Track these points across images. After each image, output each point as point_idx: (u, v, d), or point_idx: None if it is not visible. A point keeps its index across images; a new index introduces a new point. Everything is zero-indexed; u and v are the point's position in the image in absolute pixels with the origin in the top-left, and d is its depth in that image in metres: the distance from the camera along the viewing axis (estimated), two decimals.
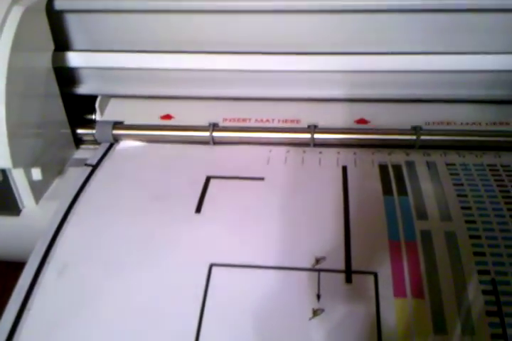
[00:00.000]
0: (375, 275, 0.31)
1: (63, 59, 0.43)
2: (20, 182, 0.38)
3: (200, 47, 0.42)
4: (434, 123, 0.43)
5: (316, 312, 0.30)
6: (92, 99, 0.46)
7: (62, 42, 0.43)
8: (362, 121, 0.44)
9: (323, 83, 0.43)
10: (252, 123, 0.45)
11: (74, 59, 0.43)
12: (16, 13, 0.36)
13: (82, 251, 0.35)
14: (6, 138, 0.35)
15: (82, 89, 0.45)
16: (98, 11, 0.41)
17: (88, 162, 0.42)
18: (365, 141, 0.42)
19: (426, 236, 0.33)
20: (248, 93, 0.45)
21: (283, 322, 0.30)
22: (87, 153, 0.45)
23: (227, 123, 0.45)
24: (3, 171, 0.38)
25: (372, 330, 0.29)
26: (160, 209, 0.37)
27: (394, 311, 0.29)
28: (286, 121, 0.45)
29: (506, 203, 0.35)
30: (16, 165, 0.36)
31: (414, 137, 0.41)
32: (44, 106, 0.41)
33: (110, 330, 0.30)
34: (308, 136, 0.42)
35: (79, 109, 0.47)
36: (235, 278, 0.32)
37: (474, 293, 0.30)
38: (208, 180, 0.39)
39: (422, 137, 0.41)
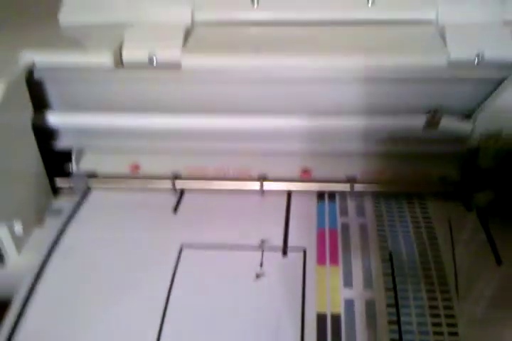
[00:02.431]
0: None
1: (42, 119, 0.48)
2: (3, 236, 0.43)
3: (161, 109, 0.48)
4: (366, 173, 0.49)
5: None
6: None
7: (40, 104, 0.48)
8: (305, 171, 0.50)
9: (272, 138, 0.49)
10: (210, 173, 0.51)
11: (51, 118, 0.49)
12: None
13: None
14: None
15: (59, 144, 0.51)
16: (72, 81, 0.47)
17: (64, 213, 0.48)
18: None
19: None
20: (206, 147, 0.50)
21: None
22: (65, 202, 0.50)
23: (188, 174, 0.50)
24: None
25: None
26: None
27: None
28: (239, 170, 0.50)
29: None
30: None
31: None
32: (23, 161, 0.46)
33: None
34: (258, 184, 0.48)
35: (56, 157, 0.52)
36: None
37: None
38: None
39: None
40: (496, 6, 0.47)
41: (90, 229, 0.46)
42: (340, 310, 0.38)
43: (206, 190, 0.49)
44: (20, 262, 0.45)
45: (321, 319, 0.37)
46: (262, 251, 0.42)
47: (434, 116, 0.44)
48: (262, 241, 0.43)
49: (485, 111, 0.44)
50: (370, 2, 0.47)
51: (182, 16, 0.48)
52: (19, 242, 0.45)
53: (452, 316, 0.37)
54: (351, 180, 0.48)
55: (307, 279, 0.40)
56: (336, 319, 0.37)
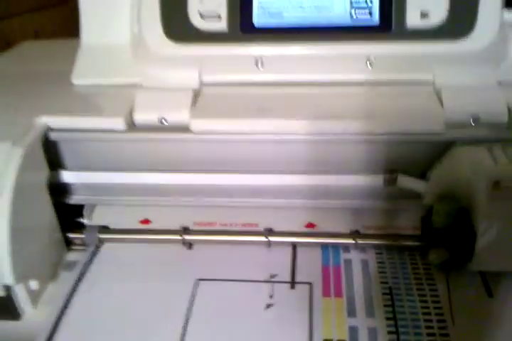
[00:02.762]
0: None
1: (56, 177, 0.51)
2: (19, 292, 0.45)
3: (171, 166, 0.50)
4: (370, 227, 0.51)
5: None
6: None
7: (55, 162, 0.51)
8: (310, 225, 0.52)
9: (277, 193, 0.51)
10: (218, 227, 0.53)
11: (66, 177, 0.51)
12: (17, 154, 0.44)
13: None
14: (9, 256, 0.43)
15: (74, 200, 0.53)
16: (85, 142, 0.49)
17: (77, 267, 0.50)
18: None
19: None
20: (214, 201, 0.52)
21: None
22: (78, 255, 0.52)
23: (197, 227, 0.53)
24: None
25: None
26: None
27: None
28: (245, 225, 0.52)
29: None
30: (17, 281, 0.43)
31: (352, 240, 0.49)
32: (38, 217, 0.48)
33: None
34: (264, 238, 0.50)
35: (69, 211, 0.54)
36: None
37: None
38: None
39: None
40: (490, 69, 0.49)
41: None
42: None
43: (214, 243, 0.51)
44: (36, 316, 0.46)
45: None
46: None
47: (391, 175, 0.47)
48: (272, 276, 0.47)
49: (437, 171, 0.46)
50: (369, 65, 0.50)
51: (190, 79, 0.50)
52: (35, 297, 0.47)
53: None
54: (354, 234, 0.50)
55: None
56: None
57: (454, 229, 0.44)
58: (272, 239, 0.50)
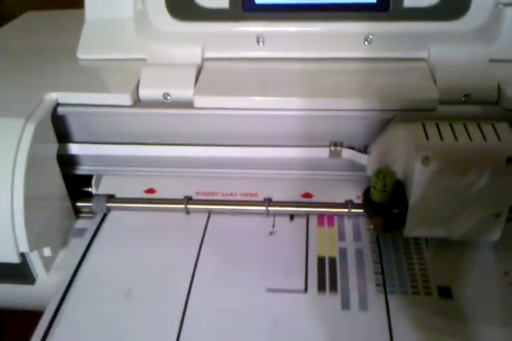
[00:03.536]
0: None
1: (65, 149, 0.53)
2: (34, 259, 0.48)
3: (175, 139, 0.53)
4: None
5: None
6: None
7: (64, 134, 0.53)
8: (307, 195, 0.55)
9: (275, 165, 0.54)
10: (220, 197, 0.55)
11: (74, 149, 0.53)
12: (30, 129, 0.46)
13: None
14: (24, 226, 0.45)
15: (81, 170, 0.56)
16: (92, 115, 0.51)
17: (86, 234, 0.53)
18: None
19: None
20: (216, 172, 0.55)
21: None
22: (86, 222, 0.55)
23: (200, 197, 0.55)
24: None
25: None
26: None
27: None
28: (246, 194, 0.55)
29: None
30: (32, 249, 0.46)
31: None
32: (49, 187, 0.51)
33: None
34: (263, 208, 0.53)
35: (78, 180, 0.57)
36: None
37: None
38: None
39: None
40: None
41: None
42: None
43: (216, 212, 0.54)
44: (49, 280, 0.50)
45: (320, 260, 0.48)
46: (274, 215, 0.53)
47: (335, 148, 0.50)
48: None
49: (376, 145, 0.49)
50: (367, 43, 0.51)
51: (193, 56, 0.52)
52: (48, 263, 0.50)
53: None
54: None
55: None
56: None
57: (389, 200, 0.47)
58: (271, 209, 0.53)
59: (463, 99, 0.48)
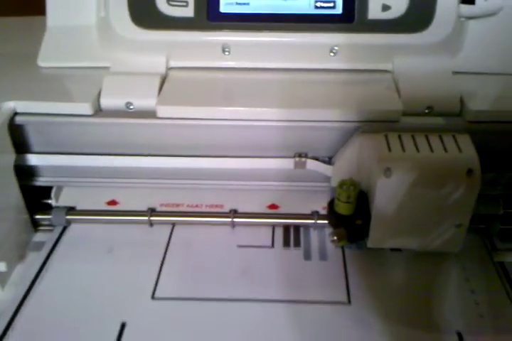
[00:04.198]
0: None
1: (23, 160, 0.51)
2: None
3: (137, 148, 0.51)
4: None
5: None
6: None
7: (21, 145, 0.51)
8: (273, 206, 0.54)
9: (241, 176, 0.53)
10: (185, 208, 0.54)
11: (32, 160, 0.52)
12: None
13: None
14: None
15: (40, 182, 0.54)
16: (51, 125, 0.50)
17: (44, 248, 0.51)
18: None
19: None
20: (181, 183, 0.54)
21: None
22: (45, 236, 0.53)
23: (164, 208, 0.54)
24: None
25: None
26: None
27: None
28: (211, 206, 0.54)
29: None
30: None
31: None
32: (5, 199, 0.49)
33: None
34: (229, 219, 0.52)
35: (36, 192, 0.55)
36: None
37: None
38: None
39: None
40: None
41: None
42: None
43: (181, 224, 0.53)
44: (5, 296, 0.47)
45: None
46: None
47: (300, 159, 0.50)
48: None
49: (340, 156, 0.49)
50: (332, 54, 0.51)
51: (157, 65, 0.51)
52: (3, 278, 0.48)
53: None
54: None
55: None
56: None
57: (353, 211, 0.47)
58: (237, 220, 0.52)
59: (426, 111, 0.49)
